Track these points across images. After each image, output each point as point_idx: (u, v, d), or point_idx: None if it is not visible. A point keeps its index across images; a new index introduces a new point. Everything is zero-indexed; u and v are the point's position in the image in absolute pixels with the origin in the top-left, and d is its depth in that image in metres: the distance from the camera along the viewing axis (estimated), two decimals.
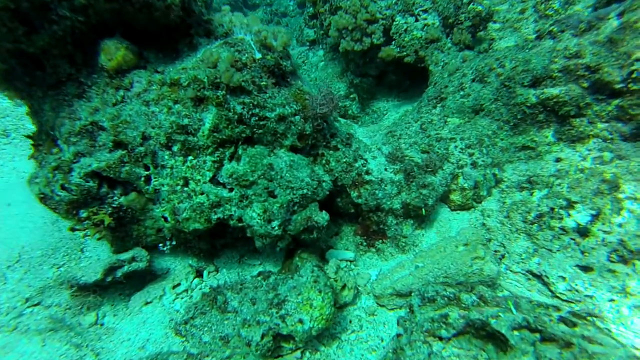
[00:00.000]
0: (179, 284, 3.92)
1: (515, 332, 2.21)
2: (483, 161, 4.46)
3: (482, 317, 2.44)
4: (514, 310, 2.38)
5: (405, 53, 7.17)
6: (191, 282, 4.02)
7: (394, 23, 7.23)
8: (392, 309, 3.67)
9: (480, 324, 2.46)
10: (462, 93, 5.28)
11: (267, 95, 3.70)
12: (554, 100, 4.00)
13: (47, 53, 3.07)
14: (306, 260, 3.47)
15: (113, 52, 3.00)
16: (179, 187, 3.50)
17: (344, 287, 3.64)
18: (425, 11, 7.32)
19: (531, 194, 4.15)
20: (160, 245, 3.99)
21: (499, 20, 7.09)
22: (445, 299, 2.94)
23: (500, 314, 2.34)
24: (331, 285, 3.26)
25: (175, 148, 3.41)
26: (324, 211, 3.73)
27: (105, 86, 3.27)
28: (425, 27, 7.10)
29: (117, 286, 3.61)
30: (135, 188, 3.56)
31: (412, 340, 2.66)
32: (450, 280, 3.45)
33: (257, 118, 3.58)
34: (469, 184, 4.39)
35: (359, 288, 3.93)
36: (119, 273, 3.32)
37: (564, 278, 3.35)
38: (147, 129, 3.33)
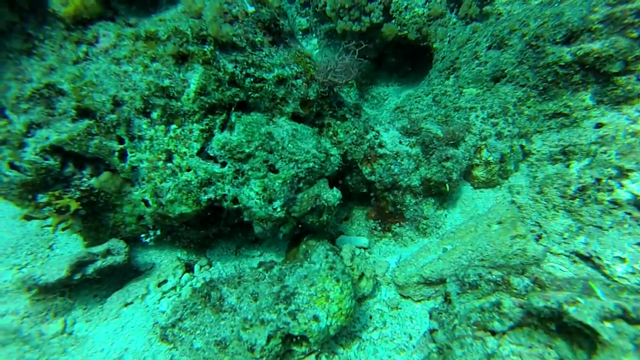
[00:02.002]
0: (165, 281, 3.33)
1: (608, 324, 1.67)
2: (509, 131, 3.94)
3: (551, 304, 1.90)
4: (601, 295, 1.84)
5: (406, 32, 6.67)
6: (180, 278, 3.43)
7: (393, 0, 6.72)
8: (419, 300, 3.12)
9: (548, 313, 1.92)
10: (477, 62, 4.76)
11: (264, 53, 3.14)
12: (595, 56, 3.49)
13: None
14: (317, 245, 2.91)
15: None
16: (160, 162, 2.92)
17: (361, 276, 3.08)
18: None
19: (567, 166, 3.64)
20: (143, 236, 3.39)
21: None
22: (491, 284, 2.40)
23: (579, 299, 1.80)
24: (349, 272, 2.70)
25: (154, 115, 2.82)
26: (334, 188, 3.17)
27: (63, 40, 2.66)
28: (427, 3, 6.60)
29: (92, 286, 3.01)
30: (109, 166, 2.97)
31: (459, 336, 2.12)
32: (488, 264, 2.91)
33: (252, 79, 3.01)
34: (495, 157, 3.87)
35: (377, 278, 3.38)
36: (90, 269, 2.72)
37: (622, 259, 2.83)
38: (119, 92, 2.73)
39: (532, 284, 2.26)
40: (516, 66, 4.16)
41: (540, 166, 3.88)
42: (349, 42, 8.26)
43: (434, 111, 4.51)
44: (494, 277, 2.40)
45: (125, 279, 3.23)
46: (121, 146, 2.87)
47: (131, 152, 2.91)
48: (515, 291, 2.29)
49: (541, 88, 3.95)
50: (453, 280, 2.60)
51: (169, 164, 2.95)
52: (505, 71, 4.27)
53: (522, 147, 4.00)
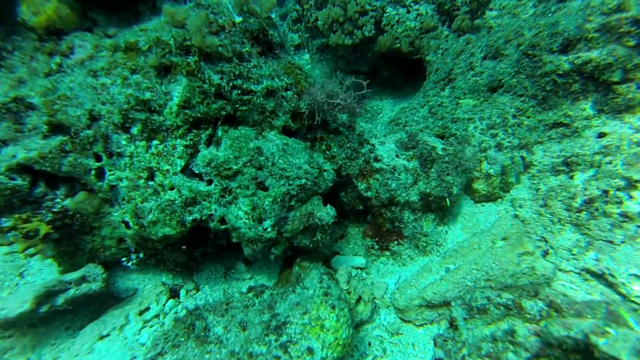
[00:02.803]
0: (147, 308, 3.08)
1: None
2: (509, 142, 3.80)
3: (574, 334, 1.70)
4: (634, 324, 1.64)
5: (398, 45, 6.67)
6: (164, 304, 3.19)
7: (385, 14, 6.72)
8: (421, 325, 2.90)
9: (572, 344, 1.71)
10: (472, 72, 4.67)
11: (252, 64, 2.99)
12: (593, 64, 3.39)
13: None
14: (310, 268, 2.70)
15: (40, 3, 2.23)
16: (142, 181, 2.71)
17: (359, 300, 2.86)
18: (416, 2, 6.83)
19: (571, 177, 3.49)
20: (124, 259, 3.16)
21: (496, 8, 6.62)
22: (502, 308, 2.20)
23: (608, 329, 1.59)
24: (345, 298, 2.48)
25: (134, 130, 2.63)
26: (328, 205, 2.98)
27: (34, 51, 2.49)
28: (419, 17, 6.61)
29: (64, 317, 2.75)
30: (85, 185, 2.76)
31: None
32: (494, 284, 2.71)
33: (239, 91, 2.84)
34: (495, 170, 3.71)
35: (376, 301, 3.15)
36: (60, 299, 2.47)
37: (639, 277, 2.64)
38: (96, 106, 2.55)
39: (546, 308, 2.06)
40: (513, 76, 4.06)
41: (542, 178, 3.73)
42: (341, 57, 8.16)
43: (430, 123, 4.38)
44: (504, 300, 2.20)
45: (103, 307, 2.97)
46: (98, 164, 2.67)
47: (109, 170, 2.71)
48: (528, 316, 2.09)
49: (540, 98, 3.84)
50: (459, 303, 2.40)
51: (150, 183, 2.74)
52: (502, 81, 4.16)
53: (523, 158, 3.86)
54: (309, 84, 3.30)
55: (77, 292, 2.52)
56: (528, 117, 3.92)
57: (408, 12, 6.68)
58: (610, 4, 3.31)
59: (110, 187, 2.74)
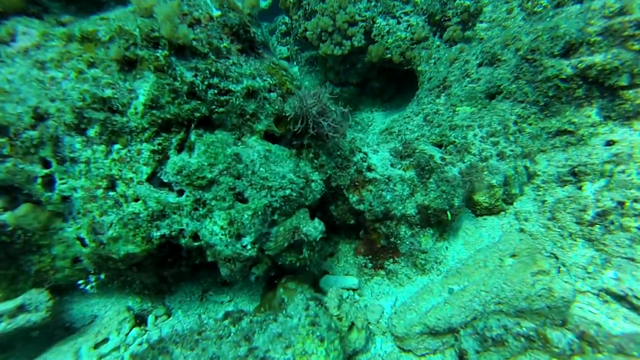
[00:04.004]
0: (105, 340, 2.65)
1: None
2: (512, 151, 3.54)
3: None
4: None
5: (389, 55, 6.52)
6: (126, 334, 2.76)
7: (375, 25, 6.59)
8: (423, 355, 2.52)
9: None
10: (468, 79, 4.46)
11: (230, 62, 2.67)
12: (598, 68, 3.18)
13: None
14: (296, 292, 2.33)
15: None
16: (100, 191, 2.33)
17: (351, 326, 2.49)
18: (406, 13, 6.73)
19: (579, 188, 3.22)
20: (81, 282, 2.74)
21: (486, 20, 6.55)
22: (522, 339, 1.85)
23: None
24: (336, 327, 2.11)
25: (91, 132, 2.27)
26: (316, 219, 2.63)
27: None
28: (410, 28, 6.49)
29: None
30: (30, 196, 2.36)
31: None
32: (506, 308, 2.37)
33: (216, 91, 2.51)
34: (498, 180, 3.43)
35: (371, 326, 2.78)
36: None
37: None
38: (43, 103, 2.18)
39: (577, 341, 1.73)
40: (512, 81, 3.84)
41: (548, 189, 3.46)
42: (330, 68, 7.94)
43: (426, 131, 4.11)
44: (524, 330, 1.86)
45: (50, 341, 2.52)
46: (46, 171, 2.29)
47: (61, 179, 2.32)
48: (556, 350, 1.75)
49: (542, 104, 3.61)
50: (469, 333, 2.04)
51: (111, 193, 2.36)
52: (501, 87, 3.94)
53: (526, 168, 3.59)
54: (296, 87, 3.00)
55: (9, 326, 2.08)
56: (530, 124, 3.68)
57: (398, 23, 6.56)
58: (612, 7, 3.13)
59: (62, 198, 2.35)
